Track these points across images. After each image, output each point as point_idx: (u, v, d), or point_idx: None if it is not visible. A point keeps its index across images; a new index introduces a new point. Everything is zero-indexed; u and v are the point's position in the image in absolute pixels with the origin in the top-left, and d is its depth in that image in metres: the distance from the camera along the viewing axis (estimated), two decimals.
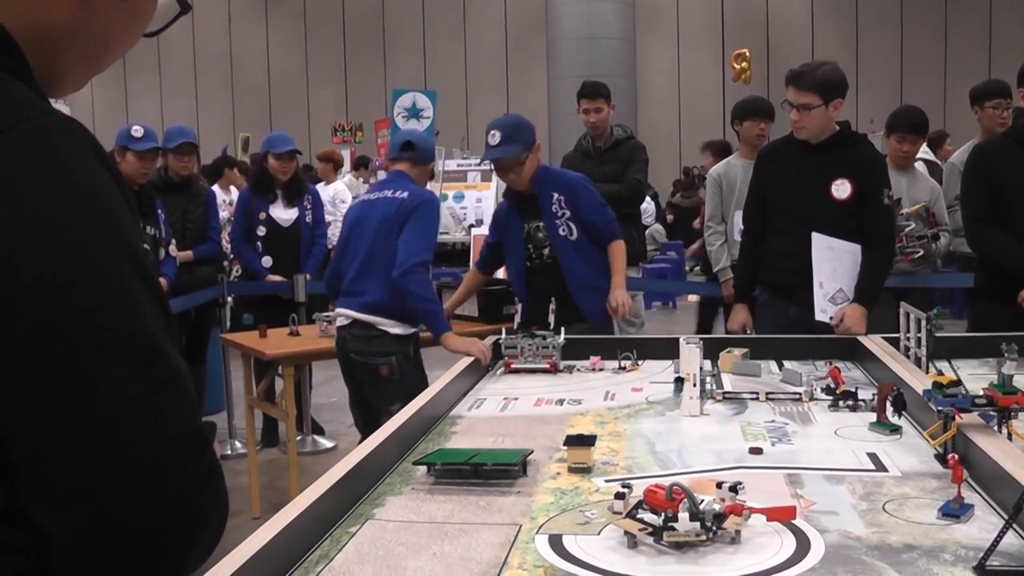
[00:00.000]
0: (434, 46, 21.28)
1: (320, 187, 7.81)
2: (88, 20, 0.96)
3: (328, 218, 6.52)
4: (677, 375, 2.66)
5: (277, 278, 5.60)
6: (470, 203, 9.48)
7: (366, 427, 3.83)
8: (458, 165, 10.32)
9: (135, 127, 5.04)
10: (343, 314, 3.85)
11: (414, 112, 9.70)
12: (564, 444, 2.01)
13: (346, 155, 11.65)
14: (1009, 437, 1.92)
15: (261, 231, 5.67)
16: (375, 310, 3.74)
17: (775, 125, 5.19)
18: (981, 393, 1.91)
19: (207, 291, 5.60)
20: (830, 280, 3.61)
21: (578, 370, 3.08)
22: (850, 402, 2.43)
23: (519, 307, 3.47)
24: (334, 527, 1.64)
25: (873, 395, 2.35)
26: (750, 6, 20.50)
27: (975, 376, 2.58)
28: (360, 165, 12.15)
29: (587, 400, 2.66)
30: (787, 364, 3.01)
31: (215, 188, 8.59)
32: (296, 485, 4.27)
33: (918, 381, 2.32)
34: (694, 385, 2.44)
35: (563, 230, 3.93)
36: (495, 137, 3.85)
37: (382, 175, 7.65)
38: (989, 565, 1.36)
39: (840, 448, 2.09)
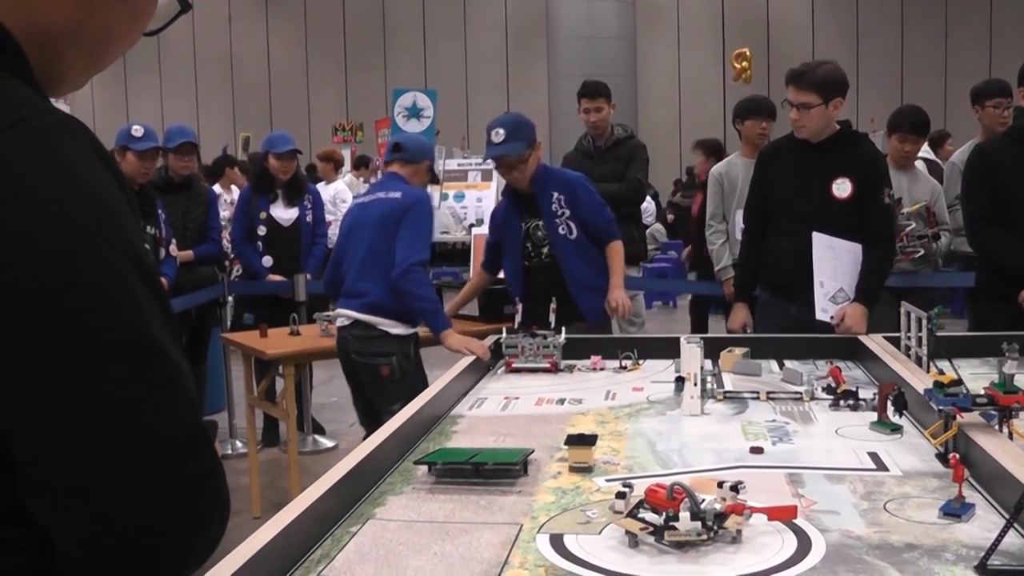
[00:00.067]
0: (434, 46, 21.28)
1: (320, 187, 7.81)
2: (88, 19, 0.96)
3: (329, 218, 6.52)
4: (678, 374, 2.66)
5: (278, 278, 5.61)
6: (470, 202, 9.49)
7: (370, 427, 3.84)
8: (459, 165, 10.33)
9: (135, 127, 5.04)
10: (344, 315, 3.87)
11: (414, 112, 9.70)
12: (565, 443, 2.01)
13: (346, 155, 11.65)
14: (1010, 436, 1.92)
15: (262, 231, 5.67)
16: (375, 310, 3.75)
17: (776, 124, 5.19)
18: (982, 392, 1.91)
19: (208, 291, 5.61)
20: (831, 279, 3.61)
21: (579, 369, 3.08)
22: (851, 401, 2.43)
23: (519, 306, 3.47)
24: (335, 526, 1.64)
25: (874, 394, 2.34)
26: (751, 5, 20.50)
27: (976, 375, 2.58)
28: (360, 164, 12.15)
29: (588, 399, 2.65)
30: (788, 363, 3.01)
31: (216, 187, 8.60)
32: (297, 485, 4.26)
33: (919, 380, 2.32)
34: (695, 384, 2.44)
35: (563, 229, 3.93)
36: (499, 135, 3.85)
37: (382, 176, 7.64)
38: (990, 564, 1.36)
39: (841, 447, 2.09)
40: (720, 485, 1.55)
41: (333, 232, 6.36)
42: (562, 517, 1.67)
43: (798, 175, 3.79)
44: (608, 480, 1.87)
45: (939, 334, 2.51)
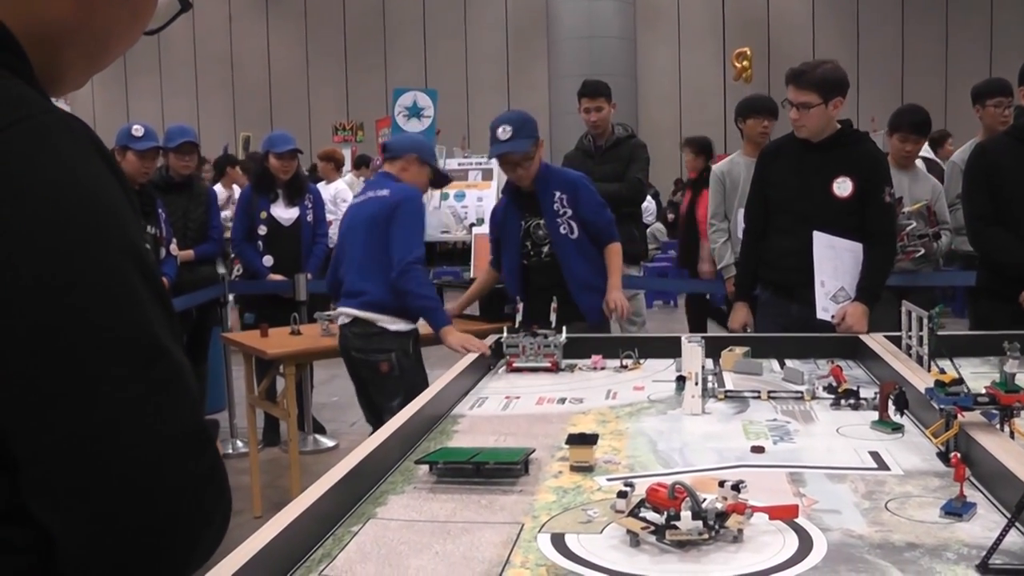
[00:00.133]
0: (435, 45, 21.29)
1: (321, 186, 7.81)
2: (89, 18, 0.96)
3: (329, 217, 6.52)
4: (679, 374, 2.66)
5: (278, 277, 5.61)
6: (471, 202, 9.46)
7: (375, 424, 3.86)
8: (459, 164, 10.32)
9: (135, 126, 5.04)
10: (344, 313, 3.89)
11: (415, 111, 9.70)
12: (566, 443, 2.01)
13: (347, 154, 11.65)
14: (1011, 435, 1.92)
15: (262, 230, 5.68)
16: (375, 307, 3.78)
17: (778, 123, 5.19)
18: (983, 391, 1.91)
19: (208, 290, 5.61)
20: (831, 279, 3.61)
21: (580, 369, 3.08)
22: (852, 401, 2.43)
23: (520, 306, 3.48)
24: (336, 526, 1.64)
25: (875, 394, 2.34)
26: (751, 5, 20.50)
27: (977, 375, 2.58)
28: (361, 164, 12.15)
29: (589, 399, 2.65)
30: (789, 363, 3.01)
31: (218, 187, 8.61)
32: (298, 484, 4.27)
33: (920, 379, 2.32)
34: (696, 384, 2.44)
35: (564, 228, 3.93)
36: (505, 131, 3.85)
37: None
38: (992, 564, 1.36)
39: (842, 447, 2.09)
40: (721, 484, 1.55)
41: (333, 232, 6.37)
42: (563, 516, 1.67)
43: (799, 174, 3.79)
44: (609, 479, 1.87)
45: (940, 333, 2.51)
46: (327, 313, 4.56)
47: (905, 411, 2.20)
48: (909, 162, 4.96)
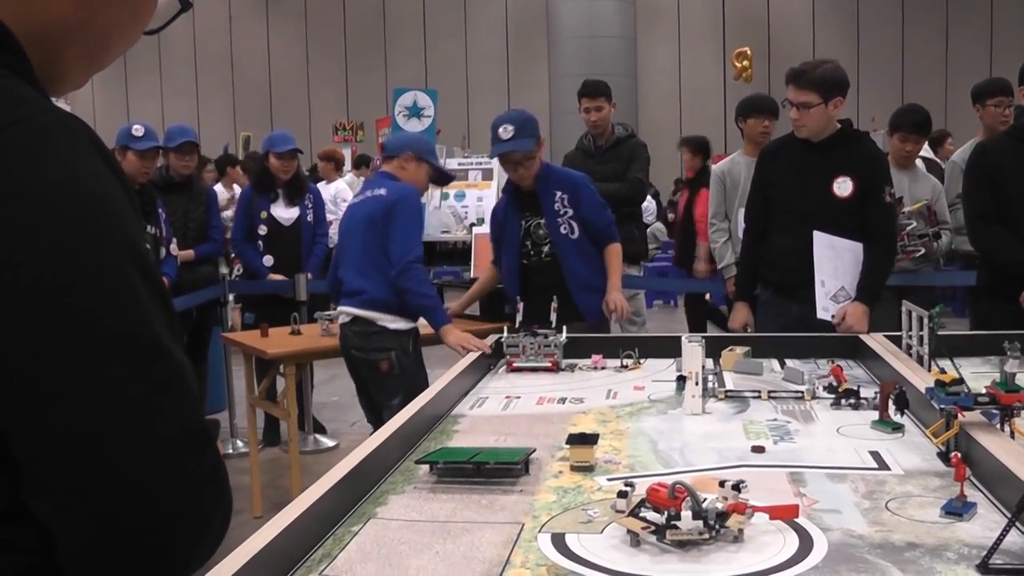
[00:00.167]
0: (435, 45, 21.27)
1: (321, 186, 7.81)
2: (89, 17, 0.96)
3: (329, 217, 6.52)
4: (679, 373, 2.65)
5: (278, 277, 5.61)
6: (471, 201, 9.46)
7: (376, 422, 3.87)
8: (459, 164, 10.31)
9: (135, 126, 5.04)
10: (345, 312, 3.89)
11: (415, 111, 9.69)
12: (566, 443, 2.01)
13: (347, 154, 11.65)
14: (1012, 435, 1.92)
15: (262, 230, 5.68)
16: (375, 306, 3.79)
17: (779, 123, 5.19)
18: (984, 391, 1.91)
19: (208, 290, 5.61)
20: (832, 278, 3.61)
21: (580, 369, 3.08)
22: (852, 400, 2.43)
23: (521, 305, 3.48)
24: (336, 526, 1.64)
25: (875, 393, 2.34)
26: (751, 4, 20.49)
27: (977, 374, 2.58)
28: (361, 164, 12.14)
29: (589, 399, 2.65)
30: (789, 362, 3.01)
31: (218, 186, 8.60)
32: (298, 484, 4.27)
33: (920, 379, 2.32)
34: (696, 383, 2.44)
35: (564, 228, 3.93)
36: (508, 131, 3.85)
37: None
38: (992, 563, 1.36)
39: (842, 446, 2.08)
40: (722, 484, 1.55)
41: (334, 232, 6.37)
42: (564, 516, 1.67)
43: (799, 174, 3.79)
44: (610, 479, 1.87)
45: (940, 333, 2.51)
46: (327, 313, 4.57)
47: (905, 411, 2.20)
48: (909, 162, 4.96)
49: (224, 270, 6.13)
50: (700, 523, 1.46)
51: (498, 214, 4.23)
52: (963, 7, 19.49)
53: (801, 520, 1.58)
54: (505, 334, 3.16)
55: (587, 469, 1.93)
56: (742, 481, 1.55)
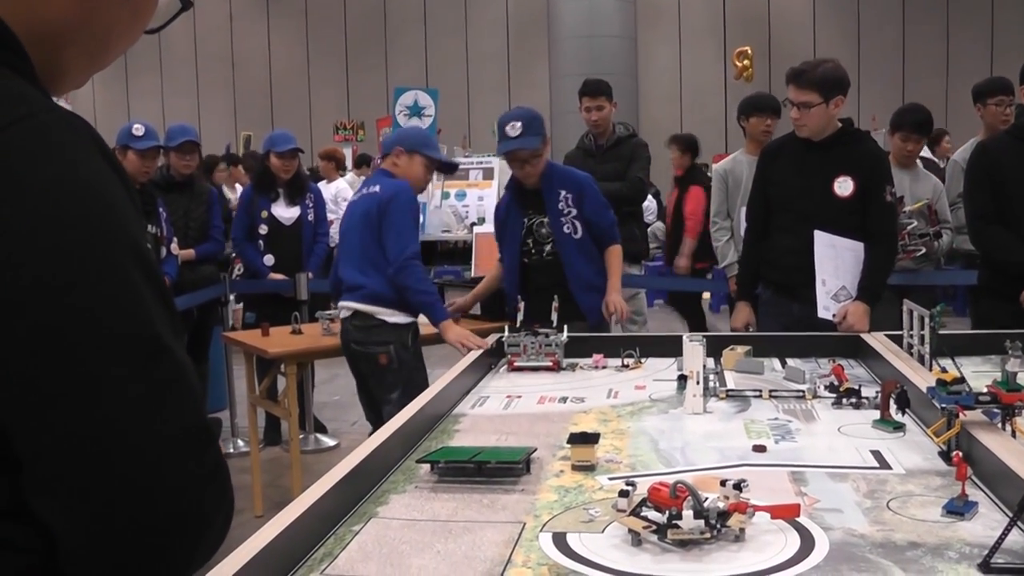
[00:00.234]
0: (435, 45, 21.26)
1: (322, 185, 7.82)
2: (90, 17, 0.96)
3: (330, 216, 6.52)
4: (680, 373, 2.66)
5: (279, 276, 5.61)
6: (472, 201, 9.46)
7: (375, 420, 3.88)
8: (460, 164, 10.33)
9: (136, 125, 5.04)
10: (345, 307, 3.91)
11: (416, 110, 9.70)
12: (567, 442, 2.01)
13: (348, 153, 11.65)
14: (1013, 434, 1.92)
15: (263, 229, 5.68)
16: (375, 300, 3.81)
17: (781, 121, 5.18)
18: (985, 390, 1.91)
19: (209, 290, 5.61)
20: (833, 278, 3.61)
21: (581, 368, 3.08)
22: (853, 400, 2.43)
23: (522, 305, 3.48)
24: (338, 525, 1.64)
25: (876, 393, 2.34)
26: (751, 4, 20.48)
27: (979, 373, 2.58)
28: (362, 163, 12.15)
29: (590, 398, 2.65)
30: (790, 362, 3.01)
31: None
32: (299, 483, 4.27)
33: (921, 378, 2.32)
34: (697, 383, 2.44)
35: (568, 228, 3.93)
36: (516, 128, 3.85)
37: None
38: (994, 563, 1.36)
39: (844, 446, 2.08)
40: (723, 483, 1.55)
41: (334, 231, 6.37)
42: (565, 516, 1.67)
43: (800, 173, 3.79)
44: (611, 478, 1.87)
45: (941, 332, 2.51)
46: (328, 312, 4.57)
47: (907, 410, 2.20)
48: (910, 161, 4.96)
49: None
50: (701, 522, 1.47)
51: (500, 212, 4.22)
52: (964, 7, 19.48)
53: (802, 519, 1.58)
54: (506, 333, 3.16)
55: (588, 468, 1.93)
56: (743, 480, 1.55)
